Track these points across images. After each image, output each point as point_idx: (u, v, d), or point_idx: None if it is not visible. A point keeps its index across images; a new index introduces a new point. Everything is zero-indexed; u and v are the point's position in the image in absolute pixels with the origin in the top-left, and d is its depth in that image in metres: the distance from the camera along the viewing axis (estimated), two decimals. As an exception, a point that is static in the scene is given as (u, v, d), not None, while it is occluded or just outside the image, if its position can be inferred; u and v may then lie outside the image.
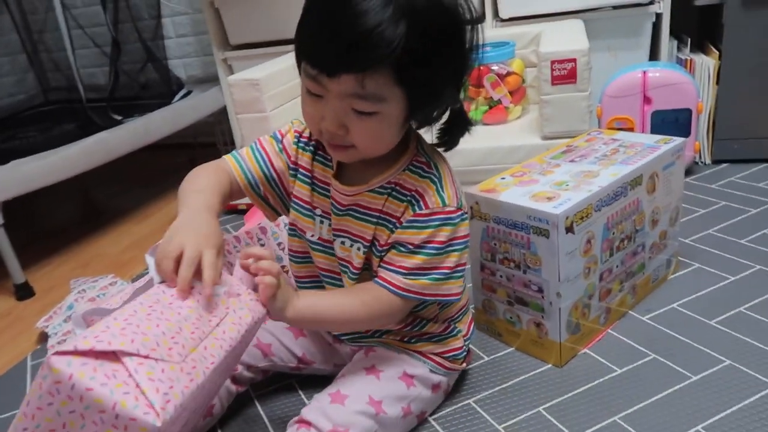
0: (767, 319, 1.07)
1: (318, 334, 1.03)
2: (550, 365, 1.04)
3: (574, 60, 1.41)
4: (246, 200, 0.92)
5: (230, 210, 1.91)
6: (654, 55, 1.84)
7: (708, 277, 1.22)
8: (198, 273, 0.69)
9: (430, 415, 0.96)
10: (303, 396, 1.04)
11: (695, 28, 1.95)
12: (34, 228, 2.19)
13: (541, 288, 0.99)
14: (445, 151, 0.88)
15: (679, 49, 1.87)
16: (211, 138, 2.54)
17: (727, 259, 1.26)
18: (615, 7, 1.78)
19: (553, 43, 1.49)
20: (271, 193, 0.92)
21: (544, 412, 0.93)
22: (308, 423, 0.83)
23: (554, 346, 1.02)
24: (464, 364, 0.99)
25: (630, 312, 1.14)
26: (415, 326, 0.93)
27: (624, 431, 0.87)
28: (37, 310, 1.51)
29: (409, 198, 0.83)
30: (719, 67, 1.67)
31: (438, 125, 0.85)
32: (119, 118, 2.00)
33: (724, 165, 1.73)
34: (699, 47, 1.85)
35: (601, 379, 0.98)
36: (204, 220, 0.75)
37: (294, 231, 0.94)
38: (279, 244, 1.21)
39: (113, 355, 0.58)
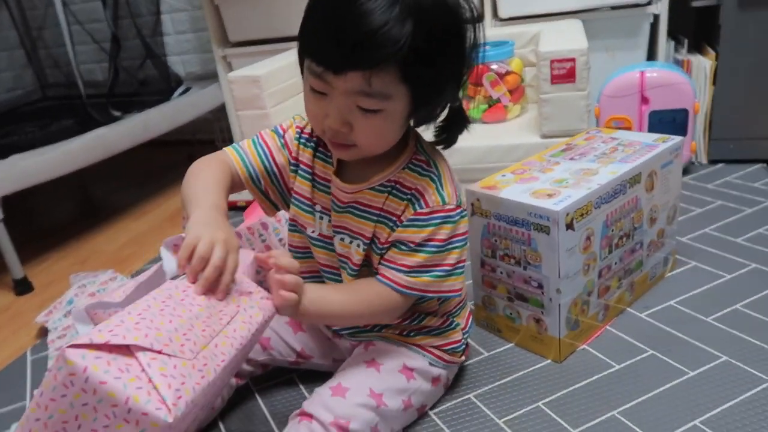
0: (763, 316, 1.08)
1: (317, 329, 1.04)
2: (549, 361, 1.04)
3: (573, 59, 1.42)
4: (245, 197, 0.92)
5: (230, 207, 1.91)
6: (651, 55, 1.86)
7: (704, 275, 1.23)
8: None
9: (431, 408, 0.97)
10: (303, 390, 1.05)
11: (692, 29, 1.96)
12: (33, 224, 2.19)
13: (541, 284, 1.00)
14: (444, 149, 0.89)
15: (676, 50, 1.88)
16: (209, 135, 2.54)
17: (723, 258, 1.28)
18: (613, 8, 1.79)
19: (553, 42, 1.50)
20: (271, 188, 0.92)
21: (544, 407, 0.94)
22: (310, 415, 0.84)
23: (553, 342, 1.03)
24: (463, 358, 1.00)
25: (628, 309, 1.15)
26: (413, 320, 0.94)
27: (623, 425, 0.89)
28: (36, 305, 1.51)
29: (409, 196, 0.83)
30: (716, 68, 1.69)
31: (436, 123, 0.86)
32: (118, 114, 2.00)
33: (720, 165, 1.75)
34: (696, 48, 1.87)
35: (600, 375, 0.99)
36: (220, 222, 0.74)
37: (294, 226, 0.94)
38: (280, 240, 1.22)
39: (126, 350, 0.59)
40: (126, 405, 0.55)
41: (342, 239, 0.89)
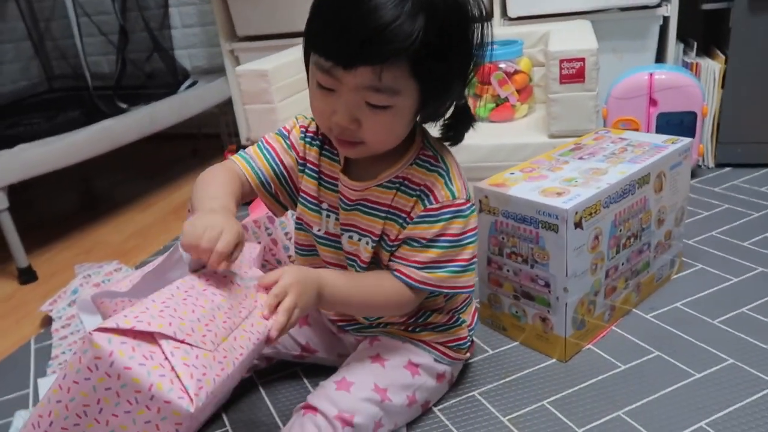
0: (770, 319, 1.08)
1: (322, 323, 1.04)
2: (554, 360, 1.04)
3: (582, 59, 1.42)
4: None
5: (234, 201, 1.91)
6: (660, 58, 1.85)
7: (711, 277, 1.23)
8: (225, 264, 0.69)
9: (435, 405, 0.96)
10: (308, 383, 1.05)
11: (701, 32, 1.96)
12: (38, 214, 2.19)
13: (548, 283, 1.00)
14: (451, 146, 0.89)
15: (685, 52, 1.87)
16: (214, 129, 2.54)
17: (729, 261, 1.27)
18: (622, 9, 1.79)
19: (562, 42, 1.50)
20: (281, 191, 0.92)
21: (549, 406, 0.94)
22: (314, 409, 0.84)
23: (559, 341, 1.02)
24: (468, 354, 1.00)
25: (634, 310, 1.15)
26: (419, 317, 0.94)
27: (628, 426, 0.88)
28: (40, 295, 1.51)
29: (418, 193, 0.83)
30: (725, 71, 1.68)
31: (442, 121, 0.85)
32: (125, 106, 2.00)
33: (728, 169, 1.74)
34: (705, 51, 1.86)
35: (605, 375, 0.99)
36: (226, 218, 0.73)
37: (300, 225, 0.94)
38: (286, 234, 1.22)
39: (150, 337, 0.58)
40: (149, 392, 0.55)
41: (350, 237, 0.88)
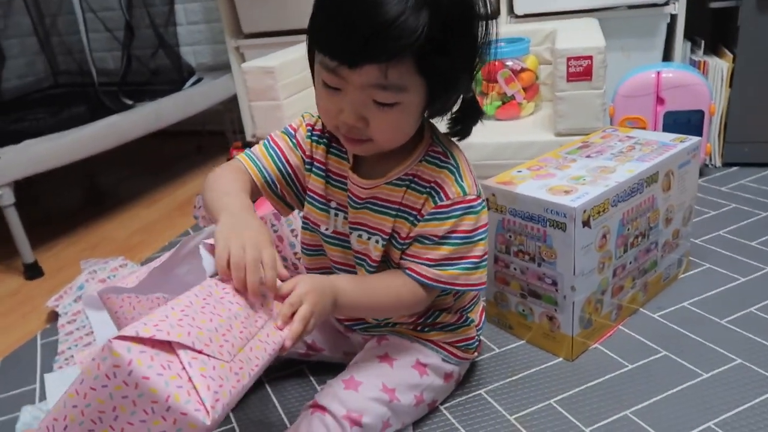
0: (778, 319, 1.08)
1: (329, 322, 1.04)
2: (561, 359, 1.04)
3: (590, 57, 1.41)
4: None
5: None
6: (668, 56, 1.84)
7: (718, 277, 1.22)
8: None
9: (441, 403, 0.96)
10: (314, 381, 1.05)
11: (709, 30, 1.95)
12: (43, 210, 2.19)
13: (555, 281, 0.99)
14: (459, 140, 0.88)
15: (692, 51, 1.87)
16: (219, 126, 2.54)
17: (737, 261, 1.27)
18: (630, 7, 1.78)
19: (570, 39, 1.49)
20: (287, 191, 0.91)
21: (555, 404, 0.94)
22: (323, 408, 0.84)
23: (566, 340, 1.02)
24: (476, 354, 1.00)
25: (641, 309, 1.14)
26: (428, 317, 0.93)
27: (635, 425, 0.88)
28: (46, 290, 1.51)
29: (428, 190, 0.82)
30: (732, 70, 1.67)
31: (449, 114, 0.84)
32: (130, 102, 2.00)
33: (735, 168, 1.74)
34: (712, 50, 1.85)
35: (612, 374, 0.99)
36: (247, 220, 0.74)
37: (307, 225, 0.93)
38: (292, 231, 1.22)
39: (168, 346, 0.58)
40: (166, 403, 0.55)
41: (360, 236, 0.88)
